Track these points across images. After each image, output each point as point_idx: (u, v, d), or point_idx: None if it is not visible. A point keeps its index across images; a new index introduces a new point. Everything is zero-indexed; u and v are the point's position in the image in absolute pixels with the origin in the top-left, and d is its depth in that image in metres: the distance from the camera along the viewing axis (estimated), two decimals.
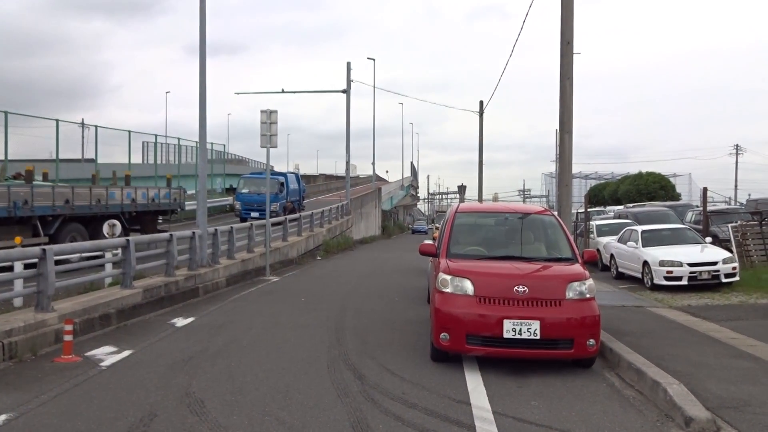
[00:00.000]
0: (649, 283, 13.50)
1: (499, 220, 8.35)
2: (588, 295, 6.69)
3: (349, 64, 36.13)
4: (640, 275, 14.14)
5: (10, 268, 8.73)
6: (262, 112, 15.96)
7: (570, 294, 6.62)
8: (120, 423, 4.88)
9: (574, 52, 11.30)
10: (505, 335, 6.38)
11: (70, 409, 5.21)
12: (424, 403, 5.50)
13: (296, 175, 36.00)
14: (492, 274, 6.90)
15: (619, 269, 15.72)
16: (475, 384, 6.13)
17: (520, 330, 6.35)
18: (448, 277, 6.84)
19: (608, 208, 32.39)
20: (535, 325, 6.36)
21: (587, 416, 5.24)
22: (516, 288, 6.55)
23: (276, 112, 15.91)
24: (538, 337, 6.36)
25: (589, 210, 24.00)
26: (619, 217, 21.85)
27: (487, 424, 4.98)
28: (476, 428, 4.89)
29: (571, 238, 7.89)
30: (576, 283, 6.70)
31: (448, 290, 6.78)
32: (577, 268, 7.09)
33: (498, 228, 8.24)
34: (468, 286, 6.69)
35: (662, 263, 13.17)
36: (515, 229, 8.02)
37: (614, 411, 5.41)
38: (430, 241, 8.54)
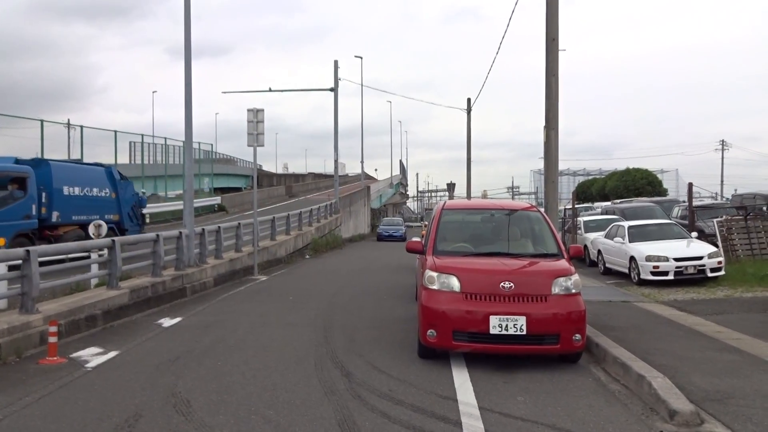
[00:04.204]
0: (636, 278, 13.60)
1: (485, 217, 8.38)
2: (574, 291, 6.72)
3: (336, 62, 36.13)
4: (627, 270, 14.23)
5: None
6: (248, 110, 15.93)
7: (556, 289, 6.64)
8: (105, 424, 4.85)
9: (560, 49, 11.36)
10: (492, 331, 6.40)
11: (54, 411, 5.17)
12: (411, 399, 5.51)
13: (108, 169, 18.42)
14: (478, 271, 6.91)
15: (607, 265, 15.81)
16: (462, 380, 6.14)
17: (507, 326, 6.38)
18: (435, 274, 6.85)
19: (596, 204, 32.58)
20: (522, 321, 6.38)
21: (573, 411, 5.27)
22: (502, 284, 6.57)
23: (263, 110, 15.89)
24: (524, 332, 6.39)
25: (576, 206, 24.12)
26: (607, 213, 21.97)
27: (473, 420, 4.99)
28: (462, 424, 4.90)
29: (557, 233, 7.93)
30: (562, 279, 6.73)
31: (435, 287, 6.79)
32: (563, 263, 7.12)
33: (484, 225, 8.27)
34: (454, 283, 6.71)
35: (649, 258, 13.26)
36: (501, 226, 8.05)
37: (600, 405, 5.44)
38: (417, 238, 8.55)
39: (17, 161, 15.56)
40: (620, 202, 27.18)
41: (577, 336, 6.53)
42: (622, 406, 5.45)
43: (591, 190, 50.22)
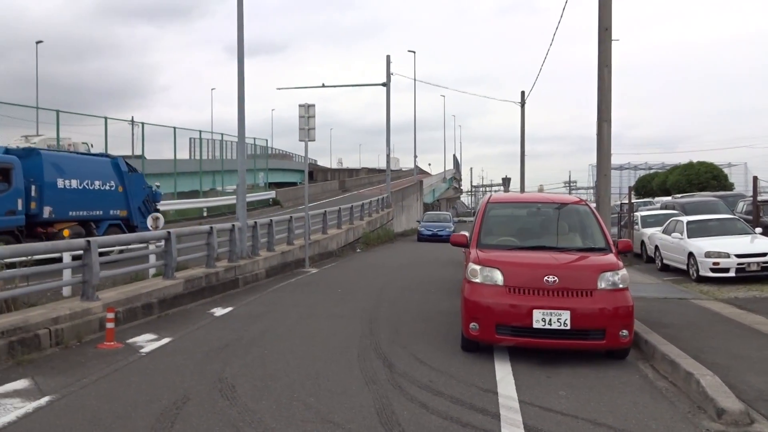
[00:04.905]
0: (695, 275, 13.14)
1: (531, 211, 8.27)
2: (621, 285, 6.57)
3: (388, 57, 36.23)
4: (685, 267, 13.76)
5: (59, 260, 9.11)
6: (300, 106, 16.19)
7: (602, 284, 6.51)
8: (154, 405, 5.07)
9: (613, 38, 11.07)
10: (535, 325, 6.33)
11: (108, 392, 5.44)
12: (451, 391, 5.52)
13: (115, 160, 16.98)
14: (522, 264, 6.85)
15: (664, 261, 15.33)
16: (503, 374, 6.11)
17: (550, 320, 6.30)
18: (478, 267, 6.83)
19: (656, 198, 31.54)
20: (566, 315, 6.29)
21: (615, 407, 5.17)
22: (546, 278, 6.49)
23: (314, 105, 16.12)
24: (568, 327, 6.29)
25: (636, 201, 23.44)
26: (666, 208, 21.29)
27: (512, 413, 4.97)
28: (501, 417, 4.88)
29: (606, 227, 7.75)
30: (608, 273, 6.59)
31: (478, 280, 6.76)
32: (611, 257, 6.97)
33: (530, 218, 8.16)
34: (497, 276, 6.66)
35: (708, 254, 12.79)
36: (547, 219, 7.94)
37: (645, 402, 5.32)
38: (466, 233, 8.52)
39: (7, 151, 14.12)
40: (681, 197, 26.25)
41: (624, 332, 6.38)
42: (668, 403, 5.31)
43: (652, 184, 48.54)
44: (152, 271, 11.19)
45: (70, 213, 14.43)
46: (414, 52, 47.81)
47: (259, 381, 5.80)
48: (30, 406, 5.02)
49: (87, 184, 14.83)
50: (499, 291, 6.60)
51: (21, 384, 5.63)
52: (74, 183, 14.53)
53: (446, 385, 5.71)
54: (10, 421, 4.68)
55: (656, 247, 15.99)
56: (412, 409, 5.02)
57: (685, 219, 15.08)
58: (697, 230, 14.20)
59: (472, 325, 6.60)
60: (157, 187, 18.98)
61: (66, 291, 9.44)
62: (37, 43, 42.81)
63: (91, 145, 26.83)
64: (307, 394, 5.42)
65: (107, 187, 15.72)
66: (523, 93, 33.27)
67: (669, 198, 27.87)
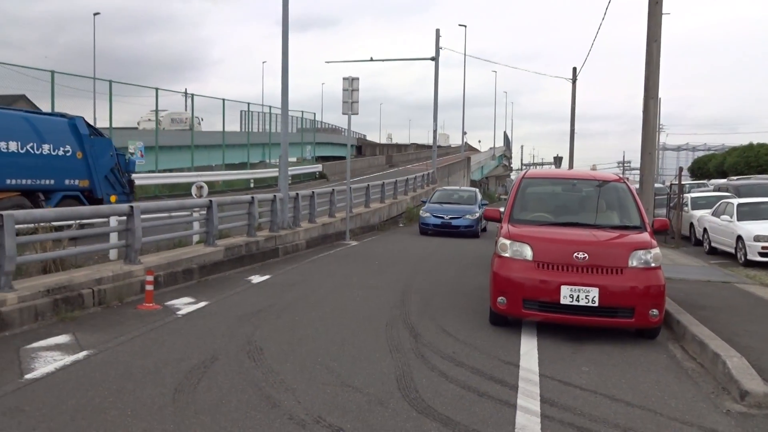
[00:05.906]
0: (743, 258, 12.74)
1: (566, 187, 8.15)
2: (653, 264, 6.45)
3: (438, 30, 35.76)
4: (733, 251, 13.35)
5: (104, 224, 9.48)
6: (344, 79, 16.22)
7: (633, 262, 6.40)
8: (184, 363, 5.29)
9: (665, 12, 10.71)
10: (563, 301, 6.29)
11: (142, 349, 5.70)
12: (473, 362, 5.57)
13: (72, 121, 13.37)
14: (552, 240, 6.78)
15: (712, 244, 14.89)
16: (528, 348, 6.12)
17: (578, 296, 6.24)
18: (508, 242, 6.81)
19: (711, 181, 30.43)
20: (594, 293, 6.22)
21: (637, 384, 5.13)
22: (576, 254, 6.42)
23: (358, 79, 16.13)
24: (596, 304, 6.23)
25: (689, 183, 22.71)
26: (719, 190, 20.57)
27: (530, 386, 4.99)
28: (519, 388, 4.91)
29: (642, 206, 7.58)
30: (641, 252, 6.47)
31: (507, 254, 6.75)
32: (644, 236, 6.83)
33: (564, 194, 8.05)
34: (527, 251, 6.63)
35: (757, 238, 12.36)
36: (582, 196, 7.82)
37: (668, 381, 5.25)
38: (502, 208, 8.47)
39: None
40: (737, 179, 25.26)
41: (654, 311, 6.28)
42: (692, 384, 5.23)
43: (708, 166, 46.79)
44: (195, 238, 11.54)
45: (8, 181, 11.64)
46: (465, 26, 47.12)
47: (286, 345, 5.97)
48: (68, 359, 5.33)
49: (32, 148, 12.07)
50: (527, 266, 6.58)
51: (62, 339, 5.97)
52: (13, 146, 11.68)
53: (469, 356, 5.76)
54: (48, 371, 4.98)
55: (704, 229, 15.53)
56: (432, 378, 5.10)
57: (735, 201, 14.58)
58: (747, 213, 13.72)
59: (499, 299, 6.61)
60: (131, 154, 16.04)
61: (113, 254, 9.85)
62: (95, 14, 44.07)
63: (202, 119, 26.72)
64: (331, 358, 5.56)
65: (60, 152, 12.76)
66: (574, 69, 32.49)
67: (724, 180, 26.87)
